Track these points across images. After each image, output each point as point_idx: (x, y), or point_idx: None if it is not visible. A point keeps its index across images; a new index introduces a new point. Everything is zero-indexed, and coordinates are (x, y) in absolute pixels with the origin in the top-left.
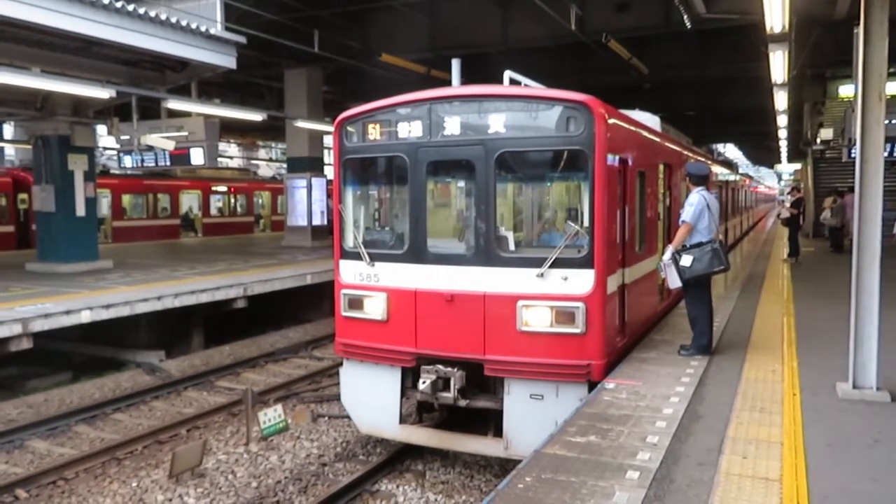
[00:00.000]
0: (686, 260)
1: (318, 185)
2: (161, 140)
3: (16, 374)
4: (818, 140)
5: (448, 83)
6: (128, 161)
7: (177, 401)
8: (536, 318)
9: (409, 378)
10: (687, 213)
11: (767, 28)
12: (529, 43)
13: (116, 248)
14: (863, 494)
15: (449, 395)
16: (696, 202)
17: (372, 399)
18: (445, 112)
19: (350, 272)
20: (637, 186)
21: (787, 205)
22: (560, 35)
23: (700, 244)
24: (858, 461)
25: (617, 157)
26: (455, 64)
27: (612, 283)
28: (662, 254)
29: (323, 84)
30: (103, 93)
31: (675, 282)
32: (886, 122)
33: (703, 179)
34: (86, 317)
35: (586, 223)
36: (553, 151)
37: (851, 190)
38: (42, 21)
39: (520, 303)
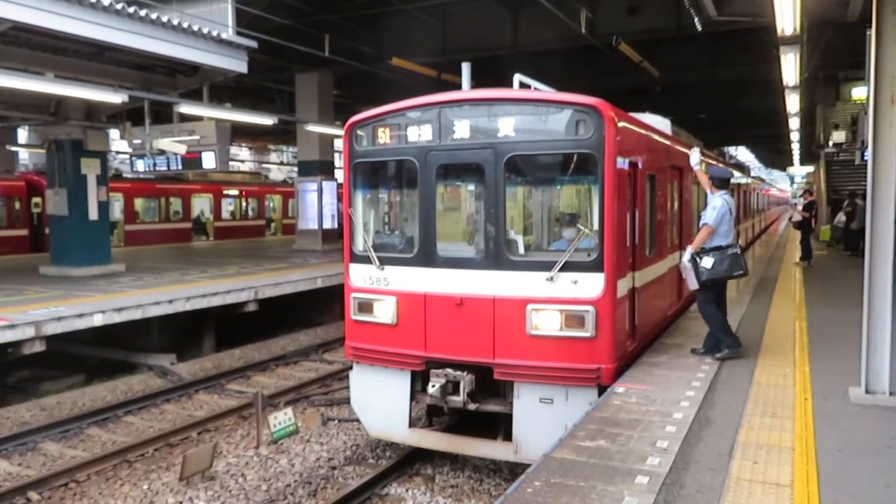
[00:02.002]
0: (707, 262)
1: (329, 188)
2: (173, 144)
3: (29, 377)
4: (830, 143)
5: (459, 86)
6: (140, 165)
7: (188, 404)
8: (546, 322)
9: (419, 382)
10: (709, 216)
11: (779, 30)
12: (540, 46)
13: (129, 252)
14: (875, 501)
15: (458, 399)
16: (719, 206)
17: (382, 402)
18: (455, 115)
19: (360, 276)
20: (647, 190)
21: (799, 208)
22: (570, 38)
23: (720, 248)
24: (871, 467)
25: (627, 161)
26: (465, 67)
27: (623, 287)
28: (682, 257)
29: (334, 88)
30: (116, 97)
31: (693, 283)
32: None
33: (726, 183)
34: (98, 320)
35: (596, 227)
36: (563, 155)
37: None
38: (56, 26)
39: (529, 306)
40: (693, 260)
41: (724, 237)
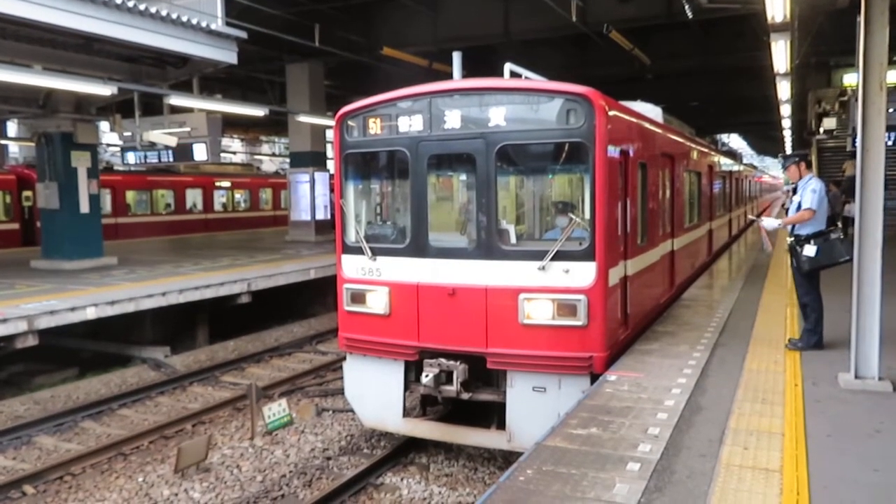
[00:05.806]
0: (809, 250)
1: (321, 179)
2: (163, 136)
3: (22, 371)
4: (821, 129)
5: (450, 76)
6: (131, 157)
7: (182, 396)
8: (538, 311)
9: (413, 372)
10: (810, 199)
11: (769, 17)
12: (531, 35)
13: (120, 245)
14: (864, 484)
15: (452, 389)
16: (819, 187)
17: (375, 393)
18: (446, 105)
19: (352, 267)
20: (638, 178)
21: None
22: (561, 27)
23: (822, 233)
24: (860, 451)
25: (618, 149)
26: (456, 57)
27: (614, 276)
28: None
29: (325, 78)
30: (105, 89)
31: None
32: (891, 110)
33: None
34: (91, 313)
35: (587, 216)
36: (554, 144)
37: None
38: (44, 19)
39: (522, 296)
40: (793, 248)
41: (823, 221)
